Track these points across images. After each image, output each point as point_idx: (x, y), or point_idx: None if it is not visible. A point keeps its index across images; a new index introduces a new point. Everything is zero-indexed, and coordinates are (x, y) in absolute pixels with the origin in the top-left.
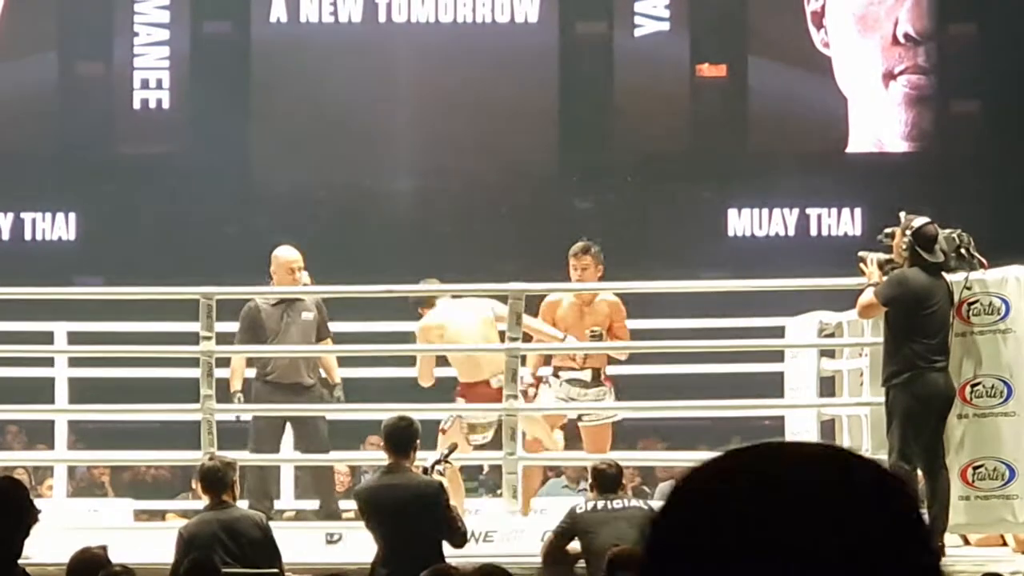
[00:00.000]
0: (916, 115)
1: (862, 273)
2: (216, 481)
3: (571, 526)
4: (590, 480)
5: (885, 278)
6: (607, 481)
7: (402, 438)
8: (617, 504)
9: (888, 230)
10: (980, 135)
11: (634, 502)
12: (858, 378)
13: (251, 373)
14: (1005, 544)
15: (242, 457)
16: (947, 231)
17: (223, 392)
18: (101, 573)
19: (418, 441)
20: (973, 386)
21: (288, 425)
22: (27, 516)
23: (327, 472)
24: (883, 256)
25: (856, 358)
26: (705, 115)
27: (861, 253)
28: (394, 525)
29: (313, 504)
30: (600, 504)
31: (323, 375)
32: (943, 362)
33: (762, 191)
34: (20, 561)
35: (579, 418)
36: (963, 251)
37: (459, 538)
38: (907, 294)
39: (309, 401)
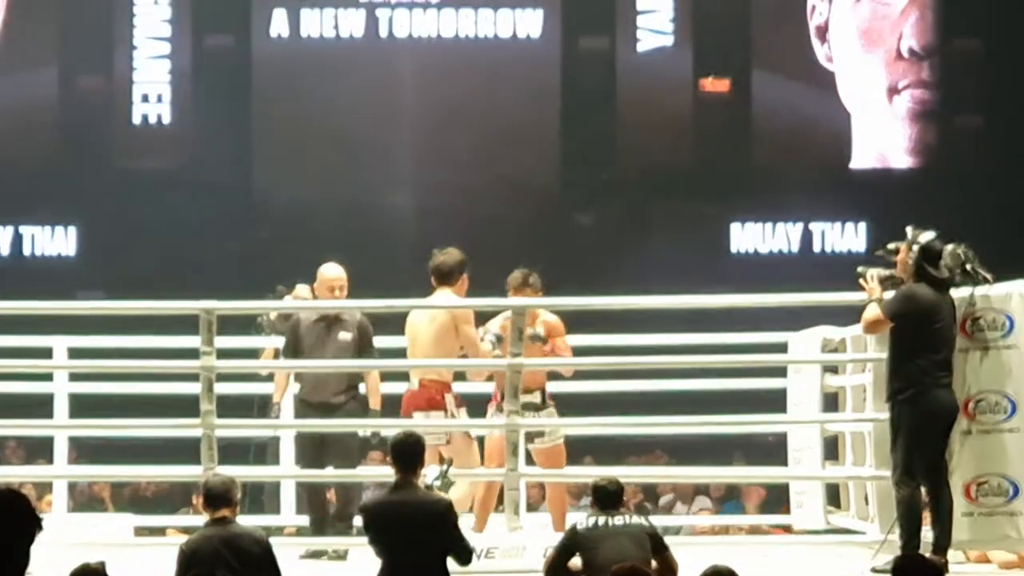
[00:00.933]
0: (920, 130)
1: (862, 289)
2: (218, 497)
3: (572, 543)
4: (590, 497)
5: (890, 293)
6: (607, 497)
7: (409, 454)
8: (618, 521)
9: (891, 245)
10: (984, 150)
11: (635, 518)
12: (861, 394)
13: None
14: (988, 561)
15: (243, 473)
16: (951, 246)
17: (224, 407)
18: None
19: (425, 456)
20: (977, 402)
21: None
22: (31, 526)
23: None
24: (883, 271)
25: (859, 374)
26: (708, 130)
27: (860, 268)
28: (401, 542)
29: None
30: (601, 521)
31: (362, 392)
32: (948, 378)
33: (765, 206)
34: None
35: (531, 440)
36: (968, 267)
37: (466, 556)
38: (915, 310)
39: (338, 437)
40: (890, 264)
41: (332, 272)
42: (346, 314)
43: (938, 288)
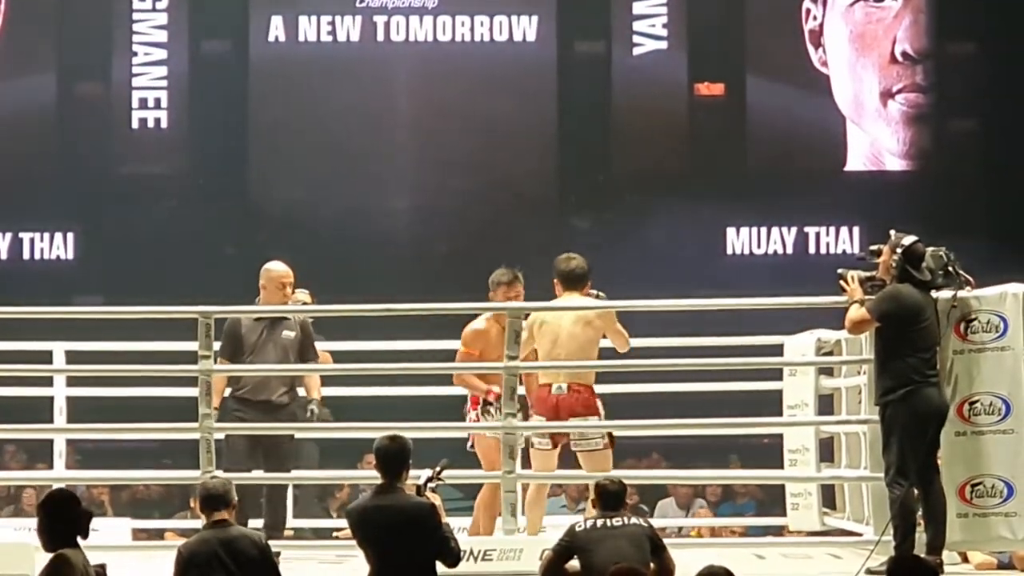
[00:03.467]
0: (914, 133)
1: (843, 291)
2: (216, 500)
3: (570, 544)
4: (592, 496)
5: (875, 294)
6: (610, 498)
7: (393, 459)
8: (616, 522)
9: (873, 247)
10: (979, 153)
11: (633, 520)
12: (856, 396)
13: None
14: (967, 561)
15: (239, 477)
16: (932, 249)
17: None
18: None
19: (410, 460)
20: (971, 404)
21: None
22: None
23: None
24: (864, 273)
25: (854, 376)
26: (703, 134)
27: (841, 270)
28: (386, 546)
29: (311, 523)
30: (600, 522)
31: (301, 394)
32: (936, 377)
33: (760, 209)
34: None
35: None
36: (950, 269)
37: (452, 558)
38: (901, 309)
39: (279, 420)
40: (870, 266)
41: (280, 268)
42: (288, 313)
43: (921, 290)
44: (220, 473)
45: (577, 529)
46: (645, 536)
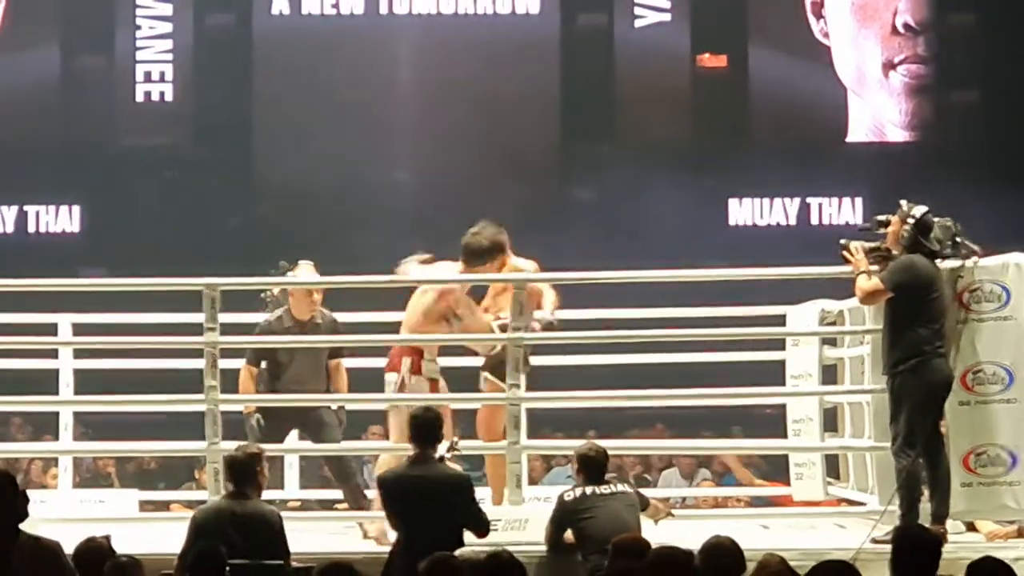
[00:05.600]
0: (916, 104)
1: (846, 261)
2: (239, 472)
3: (561, 514)
4: (576, 466)
5: (880, 265)
6: (592, 466)
7: (428, 428)
8: (606, 490)
9: (880, 217)
10: (980, 124)
11: (620, 487)
12: (860, 366)
13: None
14: (973, 530)
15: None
16: (939, 219)
17: (228, 383)
18: (108, 563)
19: (443, 431)
20: (975, 373)
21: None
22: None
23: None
24: (867, 244)
25: (858, 346)
26: (706, 105)
27: (843, 241)
28: (420, 515)
29: (318, 494)
30: (589, 490)
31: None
32: (944, 348)
33: (763, 180)
34: None
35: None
36: (957, 239)
37: (484, 528)
38: (916, 280)
39: (316, 418)
40: (871, 237)
41: (309, 275)
42: (318, 317)
43: (931, 259)
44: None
45: (566, 499)
46: (636, 502)
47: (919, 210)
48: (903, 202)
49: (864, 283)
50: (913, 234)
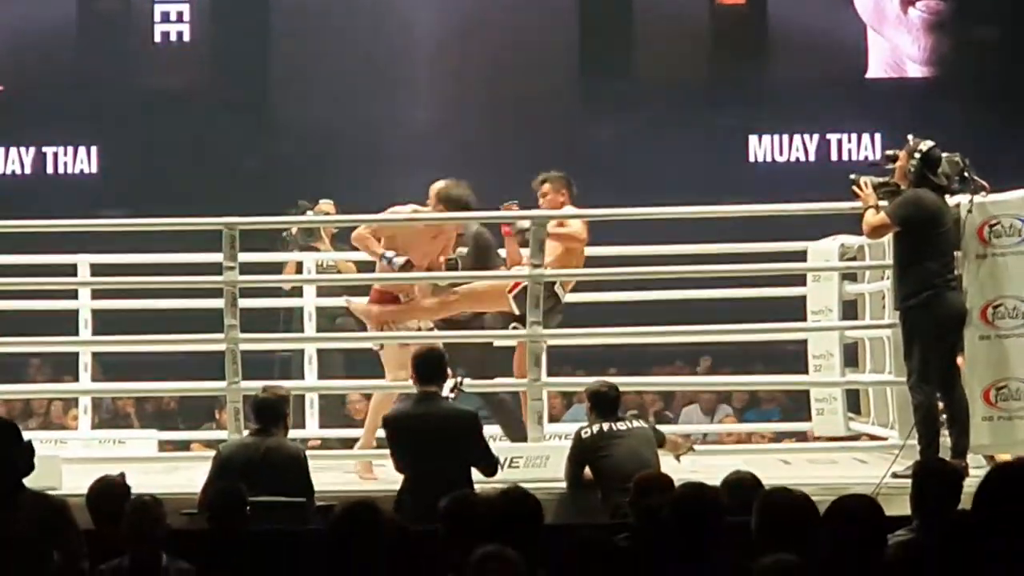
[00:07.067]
0: (935, 40)
1: (856, 196)
2: (265, 411)
3: (578, 451)
4: (588, 403)
5: (893, 199)
6: (604, 402)
7: (433, 367)
8: (622, 426)
9: (889, 152)
10: (998, 60)
11: (636, 423)
12: (880, 301)
13: None
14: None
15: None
16: (947, 155)
17: (247, 322)
18: (129, 503)
19: (448, 369)
20: (995, 307)
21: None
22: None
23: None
24: (877, 179)
25: (878, 281)
26: (725, 42)
27: (853, 176)
28: (426, 453)
29: (338, 433)
30: (606, 427)
31: None
32: (956, 281)
33: (783, 117)
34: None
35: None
36: (966, 174)
37: (491, 467)
38: (922, 213)
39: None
40: (882, 172)
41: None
42: (463, 227)
43: (938, 194)
44: (245, 384)
45: (583, 436)
46: (652, 437)
47: (925, 145)
48: (910, 137)
49: (871, 217)
50: (919, 168)
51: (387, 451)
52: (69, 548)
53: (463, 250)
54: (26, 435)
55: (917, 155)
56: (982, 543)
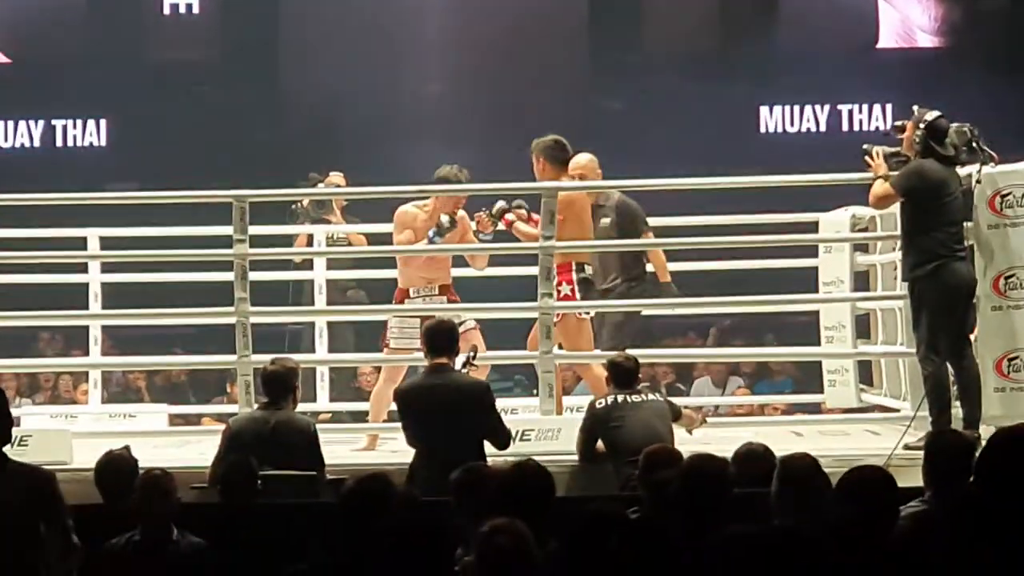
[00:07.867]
0: (946, 10)
1: (868, 166)
2: (276, 385)
3: (591, 423)
4: (607, 374)
5: (899, 170)
6: (625, 375)
7: (445, 339)
8: (636, 398)
9: (897, 123)
10: (1010, 30)
11: (650, 396)
12: (892, 272)
13: None
14: None
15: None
16: (955, 125)
17: (258, 295)
18: (139, 477)
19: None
20: (1007, 278)
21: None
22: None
23: None
24: (888, 149)
25: (889, 252)
26: (735, 12)
27: (866, 146)
28: (438, 425)
29: (347, 406)
30: (620, 398)
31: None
32: (964, 251)
33: (793, 88)
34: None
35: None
36: (974, 144)
37: (504, 439)
38: (925, 183)
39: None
40: (895, 142)
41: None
42: (602, 198)
43: (945, 165)
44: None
45: (598, 406)
46: (666, 410)
47: (931, 115)
48: (916, 107)
49: (876, 188)
50: (924, 139)
51: (398, 424)
52: (56, 521)
53: (606, 220)
54: (36, 409)
55: (922, 125)
56: (995, 514)
